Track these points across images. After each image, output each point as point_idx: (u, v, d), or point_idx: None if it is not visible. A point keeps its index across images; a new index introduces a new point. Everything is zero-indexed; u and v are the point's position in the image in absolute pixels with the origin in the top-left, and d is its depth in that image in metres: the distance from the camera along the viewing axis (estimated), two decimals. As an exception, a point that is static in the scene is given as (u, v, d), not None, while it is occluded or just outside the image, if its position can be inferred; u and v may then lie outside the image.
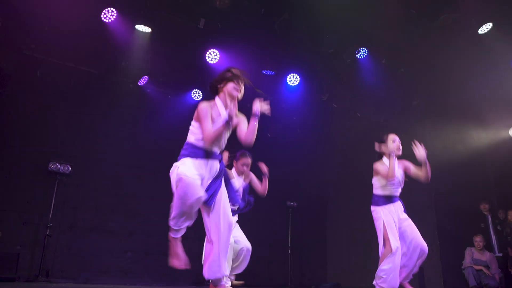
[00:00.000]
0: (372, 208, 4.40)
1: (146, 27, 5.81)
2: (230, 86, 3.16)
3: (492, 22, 6.23)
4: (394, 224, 4.22)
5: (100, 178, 6.91)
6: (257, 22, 6.01)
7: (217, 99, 3.20)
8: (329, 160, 9.25)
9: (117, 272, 6.69)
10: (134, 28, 5.88)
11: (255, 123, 3.12)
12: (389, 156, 4.28)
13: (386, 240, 4.14)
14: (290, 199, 8.48)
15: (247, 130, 3.19)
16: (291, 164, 8.76)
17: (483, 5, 5.90)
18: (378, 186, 4.40)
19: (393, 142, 4.36)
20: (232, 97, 3.17)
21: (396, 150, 4.32)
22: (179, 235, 3.06)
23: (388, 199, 4.34)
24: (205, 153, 3.06)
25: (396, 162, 4.35)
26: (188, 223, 3.00)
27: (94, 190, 6.82)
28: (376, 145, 4.50)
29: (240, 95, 3.21)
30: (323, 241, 9.54)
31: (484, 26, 6.29)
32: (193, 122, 3.16)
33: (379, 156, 4.48)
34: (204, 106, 3.07)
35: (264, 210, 7.30)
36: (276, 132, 8.44)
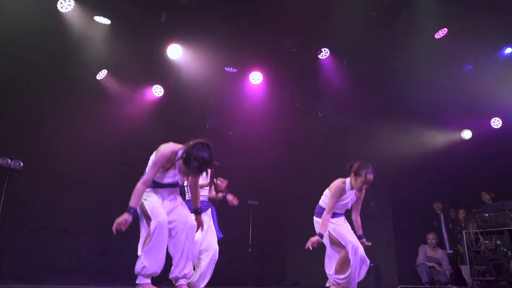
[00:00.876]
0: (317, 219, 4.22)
1: (105, 19, 5.63)
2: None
3: (447, 28, 6.48)
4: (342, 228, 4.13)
5: (54, 175, 6.63)
6: (220, 19, 5.96)
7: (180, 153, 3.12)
8: (291, 159, 9.33)
9: (72, 272, 6.46)
10: (93, 19, 5.68)
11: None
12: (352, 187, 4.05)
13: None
14: (252, 198, 8.47)
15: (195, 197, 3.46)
16: (253, 162, 8.77)
17: (440, 10, 6.11)
18: (325, 201, 4.15)
19: (364, 183, 3.96)
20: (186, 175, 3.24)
21: (359, 190, 4.05)
22: None
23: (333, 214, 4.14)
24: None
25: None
26: None
27: (48, 187, 6.54)
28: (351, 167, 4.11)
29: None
30: (284, 240, 9.61)
31: (440, 31, 6.53)
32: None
33: (347, 173, 4.12)
34: (166, 153, 3.09)
35: (224, 209, 7.25)
36: (238, 130, 8.43)
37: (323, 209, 4.13)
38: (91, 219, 6.81)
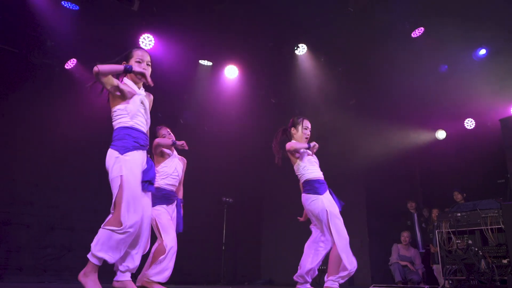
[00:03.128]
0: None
1: (74, 4, 5.37)
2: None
3: (424, 27, 6.48)
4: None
5: (18, 168, 6.33)
6: (196, 9, 5.78)
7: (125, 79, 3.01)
8: (266, 156, 9.21)
9: (35, 270, 6.17)
10: (60, 4, 5.41)
11: None
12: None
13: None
14: (226, 195, 8.33)
15: None
16: (227, 159, 8.62)
17: (416, 10, 6.09)
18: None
19: (306, 129, 4.23)
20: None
21: (304, 139, 4.21)
22: None
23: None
24: None
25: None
26: None
27: (10, 181, 6.23)
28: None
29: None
30: (258, 238, 9.51)
31: (416, 30, 6.52)
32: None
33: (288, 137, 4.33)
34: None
35: (198, 205, 7.08)
36: (212, 125, 8.27)
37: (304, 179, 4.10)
38: (56, 215, 6.54)
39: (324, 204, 3.91)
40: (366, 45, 6.74)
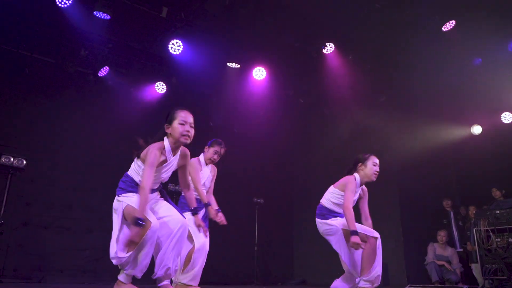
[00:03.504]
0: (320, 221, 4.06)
1: (105, 14, 5.55)
2: (178, 131, 2.94)
3: (455, 20, 6.31)
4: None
5: (57, 173, 6.60)
6: (222, 13, 5.85)
7: (165, 142, 3.01)
8: (297, 156, 9.22)
9: (74, 271, 6.41)
10: (92, 14, 5.61)
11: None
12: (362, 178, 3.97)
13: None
14: (257, 196, 8.37)
15: (188, 193, 3.41)
16: (258, 160, 8.66)
17: (446, 2, 5.95)
18: (334, 201, 4.01)
19: (374, 165, 3.98)
20: (179, 143, 3.01)
21: (373, 176, 3.97)
22: None
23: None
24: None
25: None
26: None
27: (50, 185, 6.50)
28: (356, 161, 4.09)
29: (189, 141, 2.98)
30: (290, 238, 9.49)
31: (447, 23, 6.36)
32: (139, 161, 3.03)
33: (353, 169, 4.05)
34: (154, 152, 2.90)
35: (230, 207, 7.14)
36: (242, 127, 8.32)
37: (327, 209, 4.01)
38: (94, 218, 6.76)
39: None
40: (395, 41, 6.64)
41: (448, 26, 6.39)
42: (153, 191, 3.06)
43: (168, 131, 2.98)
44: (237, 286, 7.03)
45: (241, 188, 8.35)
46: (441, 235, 6.99)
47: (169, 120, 3.00)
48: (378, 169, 3.99)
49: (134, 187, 3.01)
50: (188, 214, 3.85)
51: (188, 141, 2.96)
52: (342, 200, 3.89)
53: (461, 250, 7.30)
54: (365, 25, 6.38)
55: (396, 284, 7.19)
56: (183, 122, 2.94)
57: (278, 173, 9.10)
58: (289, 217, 9.63)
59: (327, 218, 4.00)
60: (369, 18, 6.22)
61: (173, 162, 3.05)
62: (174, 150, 3.03)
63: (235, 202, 7.88)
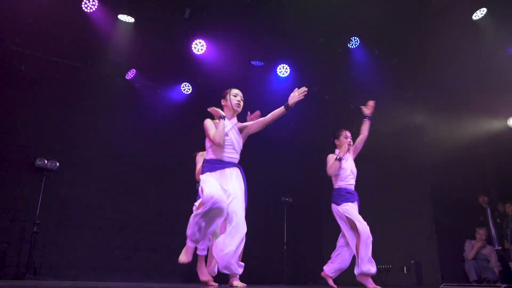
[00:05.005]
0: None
1: (129, 17, 5.67)
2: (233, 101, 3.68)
3: (486, 7, 6.05)
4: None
5: (88, 174, 6.80)
6: (244, 11, 5.86)
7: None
8: (323, 153, 9.07)
9: (106, 269, 6.58)
10: (117, 18, 5.74)
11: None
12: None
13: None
14: (286, 195, 8.32)
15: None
16: (286, 158, 8.61)
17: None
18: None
19: (346, 138, 4.64)
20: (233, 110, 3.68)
21: (347, 149, 4.59)
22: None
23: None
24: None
25: (346, 156, 4.63)
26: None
27: (82, 186, 6.70)
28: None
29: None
30: (319, 237, 9.37)
31: (478, 11, 6.11)
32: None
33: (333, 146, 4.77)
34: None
35: (258, 206, 7.15)
36: (268, 126, 8.27)
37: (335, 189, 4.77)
38: (125, 218, 6.92)
39: None
40: (422, 33, 6.42)
41: (479, 14, 6.14)
42: (229, 164, 3.44)
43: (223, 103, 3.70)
44: (267, 286, 7.00)
45: (269, 187, 8.32)
46: (480, 233, 6.73)
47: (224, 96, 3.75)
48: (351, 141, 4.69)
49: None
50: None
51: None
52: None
53: (499, 248, 6.99)
54: (391, 17, 6.21)
55: (430, 283, 6.98)
56: (235, 95, 3.76)
57: (306, 171, 9.01)
58: (317, 216, 9.51)
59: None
60: (394, 10, 6.06)
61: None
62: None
63: (263, 201, 7.87)
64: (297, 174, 8.89)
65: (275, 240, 8.10)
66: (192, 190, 7.58)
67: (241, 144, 3.56)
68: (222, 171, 3.36)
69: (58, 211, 6.46)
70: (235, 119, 3.64)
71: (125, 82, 7.11)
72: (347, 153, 4.63)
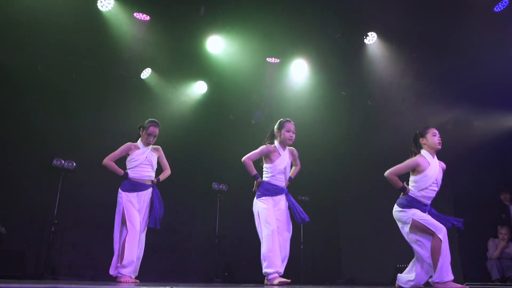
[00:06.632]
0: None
1: (145, 15, 5.64)
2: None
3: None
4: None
5: (106, 174, 6.76)
6: (257, 7, 5.79)
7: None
8: (341, 152, 8.96)
9: (124, 270, 6.55)
10: (133, 16, 5.71)
11: None
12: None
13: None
14: (302, 193, 8.24)
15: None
16: (301, 156, 8.49)
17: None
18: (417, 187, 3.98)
19: (433, 136, 4.00)
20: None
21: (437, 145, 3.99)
22: None
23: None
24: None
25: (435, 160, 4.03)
26: None
27: (100, 186, 6.68)
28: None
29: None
30: (337, 236, 9.27)
31: (499, 3, 5.94)
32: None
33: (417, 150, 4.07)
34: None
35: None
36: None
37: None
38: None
39: None
40: (440, 26, 6.27)
41: (501, 6, 5.97)
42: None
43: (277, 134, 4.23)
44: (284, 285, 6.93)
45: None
46: (503, 233, 6.60)
47: (279, 127, 4.26)
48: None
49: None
50: None
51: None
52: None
53: (523, 246, 6.82)
54: (409, 11, 6.08)
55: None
56: (288, 130, 4.26)
57: (321, 169, 8.91)
58: (334, 215, 9.42)
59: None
60: (412, 3, 5.93)
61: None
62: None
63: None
64: (313, 173, 8.79)
65: (292, 239, 8.00)
66: (208, 188, 7.57)
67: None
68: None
69: (76, 211, 6.48)
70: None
71: (140, 81, 7.09)
72: None
